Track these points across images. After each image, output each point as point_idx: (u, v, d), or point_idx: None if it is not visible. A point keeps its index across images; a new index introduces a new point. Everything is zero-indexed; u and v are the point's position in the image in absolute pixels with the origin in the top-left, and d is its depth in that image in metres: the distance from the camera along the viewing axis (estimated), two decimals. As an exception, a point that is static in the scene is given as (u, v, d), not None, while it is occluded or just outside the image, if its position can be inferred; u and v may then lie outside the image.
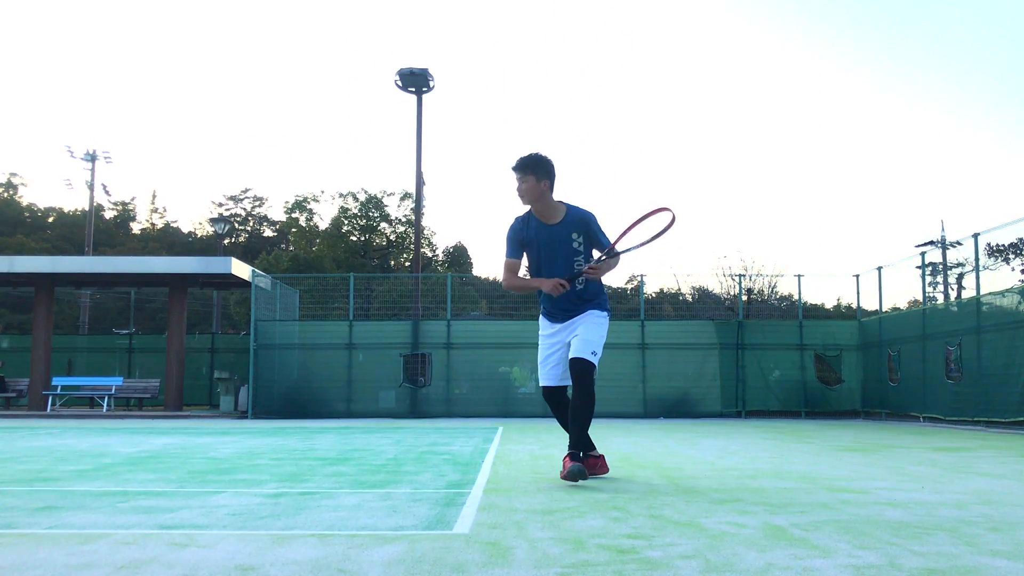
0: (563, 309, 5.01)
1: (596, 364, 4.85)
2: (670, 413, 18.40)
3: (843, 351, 19.09)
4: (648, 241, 4.89)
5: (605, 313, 5.02)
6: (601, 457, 5.16)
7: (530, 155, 4.90)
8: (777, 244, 72.87)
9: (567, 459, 4.77)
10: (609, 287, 51.17)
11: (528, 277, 5.13)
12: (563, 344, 5.04)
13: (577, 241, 4.93)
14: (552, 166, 4.93)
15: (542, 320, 5.17)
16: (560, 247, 4.93)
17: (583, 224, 4.93)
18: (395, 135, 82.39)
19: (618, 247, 4.92)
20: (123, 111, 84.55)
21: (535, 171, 4.87)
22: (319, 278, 25.15)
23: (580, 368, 4.81)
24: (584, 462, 4.84)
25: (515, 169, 4.90)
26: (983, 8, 73.94)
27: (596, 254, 4.99)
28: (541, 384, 5.15)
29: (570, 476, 4.63)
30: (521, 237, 5.01)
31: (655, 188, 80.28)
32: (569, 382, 4.96)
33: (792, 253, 69.71)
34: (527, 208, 5.01)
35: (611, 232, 4.98)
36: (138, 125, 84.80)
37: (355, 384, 18.82)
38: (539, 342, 5.19)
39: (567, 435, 4.90)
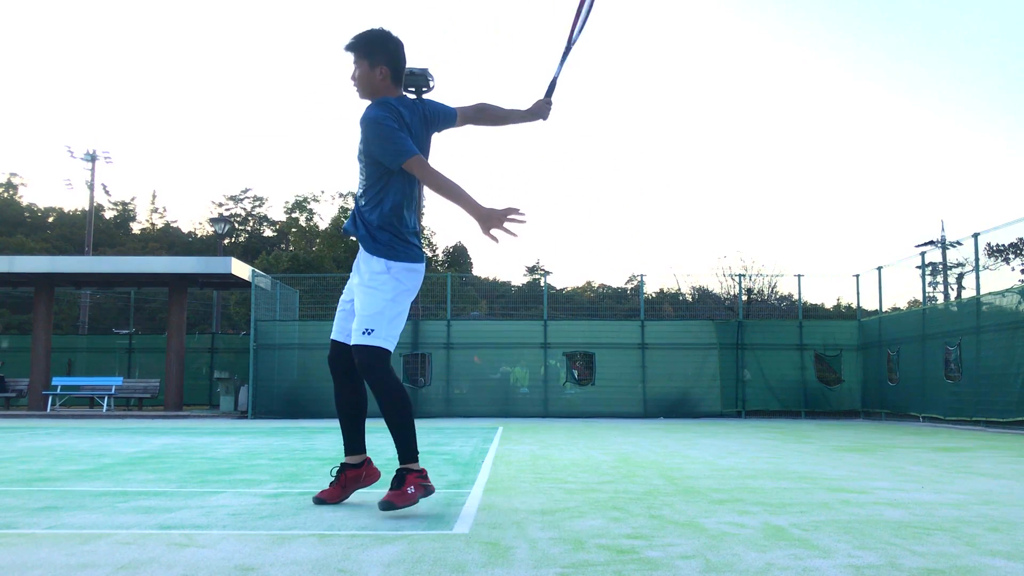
0: (360, 237, 3.75)
1: (379, 344, 3.57)
2: (670, 413, 18.41)
3: (843, 351, 19.11)
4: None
5: (384, 264, 3.62)
6: (415, 475, 3.61)
7: (367, 31, 3.72)
8: (777, 244, 72.91)
9: (392, 481, 3.64)
10: (608, 286, 51.01)
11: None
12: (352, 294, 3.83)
13: (364, 153, 3.67)
14: (394, 49, 3.70)
15: None
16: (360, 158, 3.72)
17: (362, 131, 3.63)
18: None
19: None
20: (123, 111, 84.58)
21: (368, 54, 3.67)
22: (319, 278, 25.15)
23: (358, 359, 3.63)
24: (395, 490, 3.58)
25: (346, 49, 3.72)
26: (983, 8, 73.98)
27: (367, 183, 3.67)
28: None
29: (385, 505, 3.56)
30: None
31: (655, 187, 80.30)
32: (349, 341, 3.76)
33: (792, 253, 69.76)
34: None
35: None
36: (138, 125, 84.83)
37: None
38: None
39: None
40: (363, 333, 3.58)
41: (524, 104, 4.07)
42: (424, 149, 3.76)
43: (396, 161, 3.54)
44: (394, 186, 3.63)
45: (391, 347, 3.62)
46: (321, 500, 3.93)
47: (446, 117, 3.91)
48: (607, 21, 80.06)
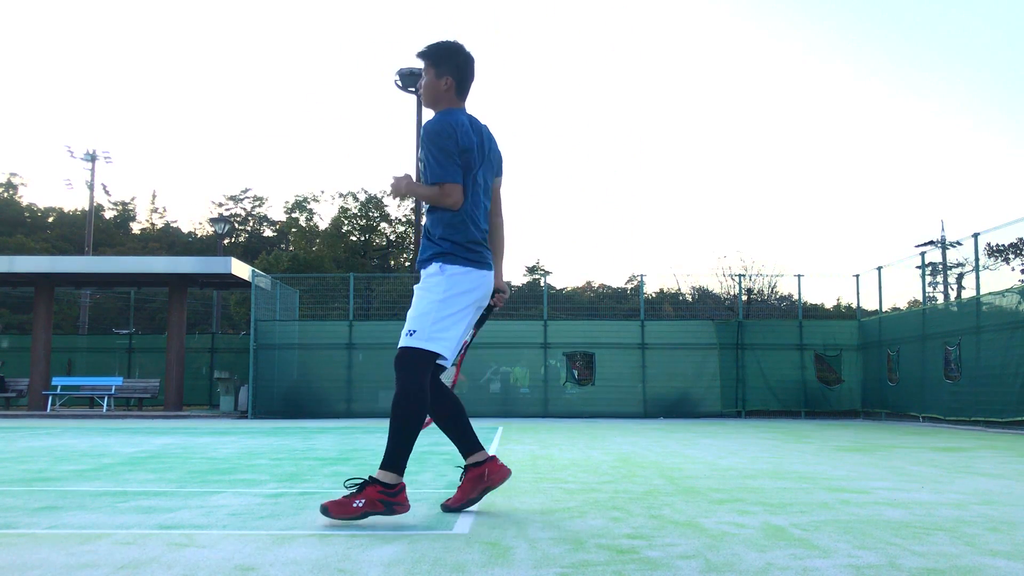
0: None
1: (420, 345, 3.45)
2: (670, 413, 18.41)
3: (843, 351, 19.11)
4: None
5: (438, 267, 3.55)
6: (379, 488, 3.41)
7: (438, 42, 3.71)
8: (777, 244, 72.90)
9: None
10: (608, 286, 51.01)
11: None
12: None
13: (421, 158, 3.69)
14: (463, 62, 3.69)
15: None
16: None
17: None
18: (395, 135, 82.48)
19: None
20: (123, 111, 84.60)
21: (436, 64, 3.67)
22: (319, 278, 25.15)
23: (396, 359, 3.52)
24: (346, 497, 3.42)
25: (418, 56, 3.74)
26: (983, 8, 73.99)
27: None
28: None
29: (322, 510, 3.45)
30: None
31: (656, 187, 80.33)
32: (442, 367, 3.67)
33: (792, 253, 69.74)
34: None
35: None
36: (138, 125, 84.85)
37: (355, 384, 18.83)
38: None
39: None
40: (406, 334, 3.50)
41: (506, 268, 4.05)
42: (484, 171, 3.69)
43: (429, 177, 3.53)
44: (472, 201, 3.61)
45: (437, 348, 3.45)
46: (448, 508, 3.72)
47: (498, 169, 3.86)
48: (608, 18, 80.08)
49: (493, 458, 3.72)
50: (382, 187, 47.20)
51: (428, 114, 3.75)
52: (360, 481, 3.47)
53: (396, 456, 3.43)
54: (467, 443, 3.74)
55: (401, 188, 3.66)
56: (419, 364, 3.45)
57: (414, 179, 3.72)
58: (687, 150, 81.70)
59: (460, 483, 3.72)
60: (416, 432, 3.46)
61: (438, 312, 3.48)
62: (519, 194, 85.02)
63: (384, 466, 3.43)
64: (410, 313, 3.56)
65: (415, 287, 3.65)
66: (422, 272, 3.62)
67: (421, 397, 3.45)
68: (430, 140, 3.52)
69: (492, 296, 3.81)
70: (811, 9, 79.55)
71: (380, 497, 3.37)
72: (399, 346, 3.52)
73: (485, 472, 3.68)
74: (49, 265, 21.73)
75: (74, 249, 43.69)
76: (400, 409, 3.42)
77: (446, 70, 3.65)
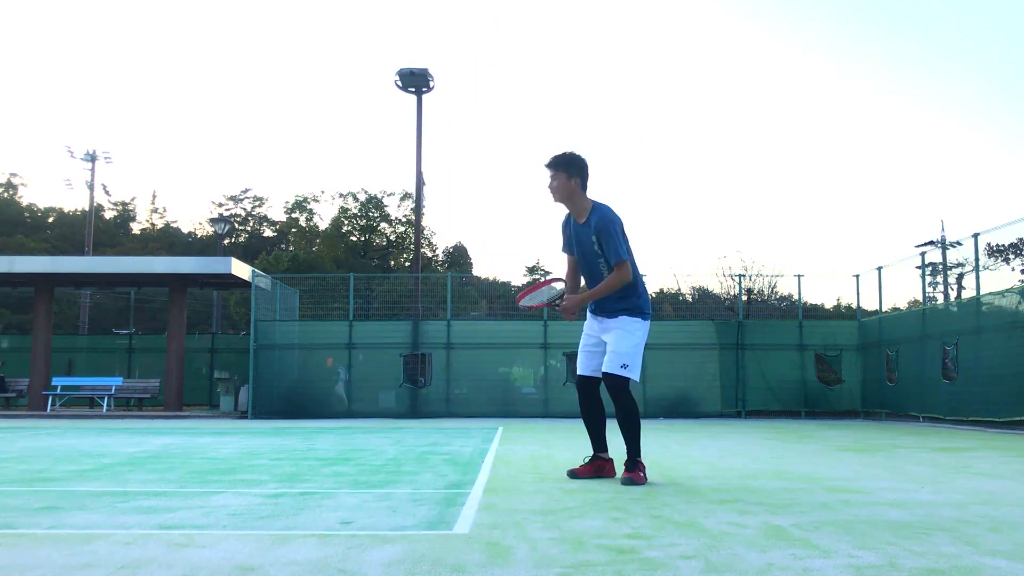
0: (595, 307, 5.06)
1: (630, 376, 4.85)
2: (670, 413, 18.40)
3: (843, 351, 19.09)
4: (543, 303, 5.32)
5: (637, 319, 4.91)
6: (641, 463, 4.95)
7: (562, 153, 4.97)
8: (777, 244, 72.91)
9: (625, 466, 4.93)
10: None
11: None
12: (598, 339, 5.07)
13: (597, 243, 4.89)
14: (584, 164, 4.98)
15: (587, 313, 5.24)
16: (586, 247, 4.96)
17: (597, 227, 4.88)
18: (395, 135, 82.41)
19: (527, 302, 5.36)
20: (123, 111, 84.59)
21: (566, 169, 4.93)
22: (319, 278, 25.14)
23: (610, 383, 4.89)
24: (631, 472, 4.86)
25: (547, 166, 4.98)
26: (983, 8, 73.96)
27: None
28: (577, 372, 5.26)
29: (626, 481, 4.81)
30: (567, 233, 5.13)
31: (655, 188, 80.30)
32: (599, 375, 5.01)
33: (792, 253, 69.75)
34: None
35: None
36: (138, 125, 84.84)
37: (355, 384, 18.83)
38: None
39: (587, 435, 5.27)
40: (620, 367, 4.83)
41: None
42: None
43: (614, 258, 4.82)
44: (635, 267, 4.96)
45: (637, 377, 4.91)
46: (575, 474, 5.10)
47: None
48: (609, 18, 79.99)
49: (611, 460, 5.18)
50: (382, 187, 47.22)
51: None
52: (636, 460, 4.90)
53: (639, 444, 4.94)
54: (599, 441, 5.18)
55: (574, 304, 5.04)
56: (628, 387, 4.90)
57: (575, 288, 5.18)
58: (687, 150, 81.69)
59: (591, 463, 5.16)
60: (640, 423, 4.95)
61: (638, 352, 4.91)
62: (519, 194, 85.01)
63: (636, 454, 4.90)
64: (619, 348, 4.86)
65: (614, 325, 4.92)
66: (622, 317, 4.89)
67: (636, 405, 4.97)
68: (612, 226, 4.82)
69: (562, 297, 5.12)
70: (811, 9, 79.54)
71: (644, 471, 4.89)
72: (611, 373, 4.86)
73: (605, 467, 5.15)
74: (49, 265, 21.72)
75: (74, 249, 43.67)
76: (632, 420, 4.90)
77: (574, 173, 4.95)
